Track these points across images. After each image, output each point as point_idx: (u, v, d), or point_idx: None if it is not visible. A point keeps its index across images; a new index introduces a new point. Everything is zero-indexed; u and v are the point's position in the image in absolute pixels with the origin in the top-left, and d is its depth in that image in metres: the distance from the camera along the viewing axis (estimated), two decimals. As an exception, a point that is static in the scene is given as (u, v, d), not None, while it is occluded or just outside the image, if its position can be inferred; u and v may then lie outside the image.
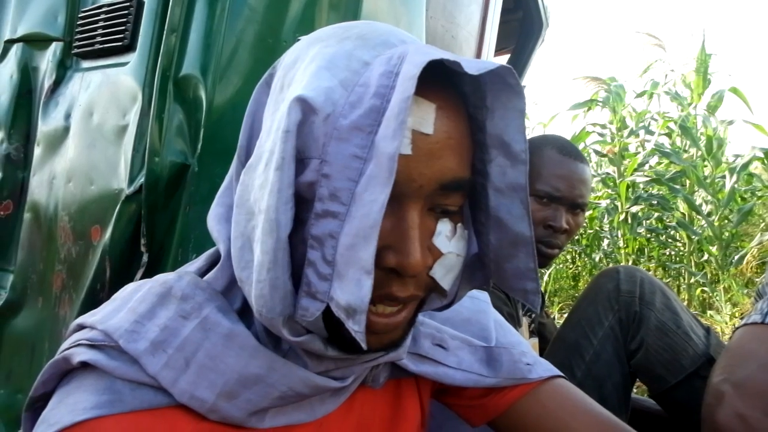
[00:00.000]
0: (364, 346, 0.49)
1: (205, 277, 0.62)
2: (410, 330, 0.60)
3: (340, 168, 0.50)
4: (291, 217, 0.51)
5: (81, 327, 0.62)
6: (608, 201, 5.89)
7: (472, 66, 0.49)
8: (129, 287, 0.65)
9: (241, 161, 0.61)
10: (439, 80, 0.54)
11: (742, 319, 1.00)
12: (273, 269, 0.51)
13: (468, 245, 0.61)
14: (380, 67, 0.51)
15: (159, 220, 1.13)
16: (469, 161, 0.56)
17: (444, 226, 0.56)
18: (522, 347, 0.80)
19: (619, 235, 5.73)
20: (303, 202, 0.52)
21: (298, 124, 0.50)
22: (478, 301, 0.83)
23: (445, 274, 0.57)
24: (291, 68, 0.56)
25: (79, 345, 0.58)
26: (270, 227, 0.50)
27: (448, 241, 0.56)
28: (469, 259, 0.64)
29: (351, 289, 0.48)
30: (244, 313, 0.61)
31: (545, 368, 0.80)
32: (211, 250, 0.68)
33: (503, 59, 2.56)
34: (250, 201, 0.54)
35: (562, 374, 0.81)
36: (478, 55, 1.81)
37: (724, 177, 5.22)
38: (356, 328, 0.49)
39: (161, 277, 0.62)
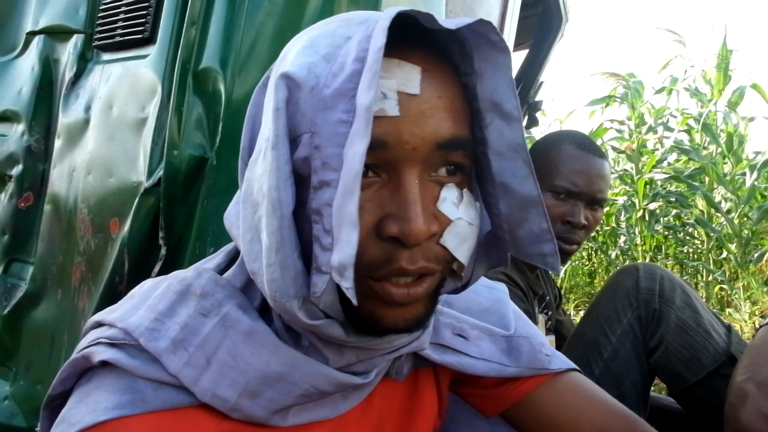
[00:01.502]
0: (354, 301, 0.48)
1: (225, 275, 0.62)
2: (433, 309, 0.59)
3: (329, 136, 0.50)
4: (292, 194, 0.51)
5: (99, 324, 0.62)
6: (626, 198, 5.85)
7: (450, 22, 0.51)
8: (146, 284, 0.65)
9: (244, 161, 0.61)
10: (426, 50, 0.54)
11: (762, 317, 0.99)
12: (281, 249, 0.51)
13: (480, 218, 0.60)
14: (359, 35, 0.52)
15: (177, 213, 1.13)
16: (465, 122, 0.56)
17: (449, 192, 0.55)
18: (540, 338, 0.80)
19: (637, 232, 5.69)
20: (302, 181, 0.52)
21: (286, 100, 0.51)
22: (496, 291, 0.83)
23: (459, 244, 0.55)
24: (280, 63, 0.57)
25: (98, 343, 0.58)
26: (273, 207, 0.50)
27: (456, 207, 0.55)
28: (483, 237, 0.64)
29: (342, 246, 0.48)
30: (265, 310, 0.61)
31: (563, 360, 0.80)
32: (228, 247, 0.68)
33: (522, 54, 2.55)
34: (254, 194, 0.54)
35: (578, 368, 0.81)
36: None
37: (744, 174, 5.16)
38: (346, 284, 0.48)
39: (180, 274, 0.62)
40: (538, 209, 0.59)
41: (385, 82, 0.51)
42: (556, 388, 0.78)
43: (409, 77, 0.52)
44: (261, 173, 0.53)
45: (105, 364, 0.57)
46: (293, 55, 0.54)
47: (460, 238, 0.55)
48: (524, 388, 0.78)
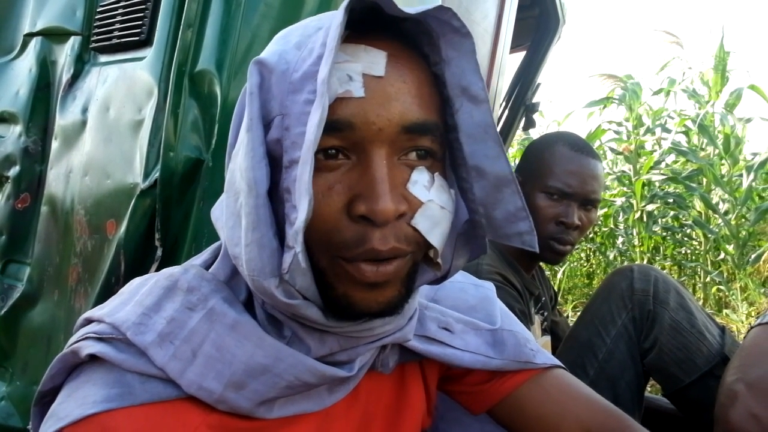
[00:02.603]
0: (303, 264, 0.50)
1: (210, 269, 0.63)
2: (408, 295, 0.60)
3: (297, 116, 0.52)
4: (266, 174, 0.53)
5: (89, 321, 0.63)
6: (623, 199, 5.85)
7: (411, 9, 0.53)
8: (135, 281, 0.66)
9: (230, 156, 0.62)
10: (395, 40, 0.56)
11: (758, 318, 1.00)
12: (257, 227, 0.53)
13: (455, 206, 0.61)
14: (328, 24, 0.54)
15: (173, 215, 1.14)
16: (434, 108, 0.57)
17: (420, 175, 0.57)
18: (525, 334, 0.81)
19: (635, 234, 5.69)
20: (276, 164, 0.54)
21: (259, 86, 0.54)
22: (483, 289, 0.84)
23: (431, 227, 0.56)
24: None
25: (87, 338, 0.59)
26: (249, 187, 0.52)
27: (427, 190, 0.56)
28: (462, 227, 0.64)
29: (299, 214, 0.49)
30: (249, 303, 0.62)
31: (548, 357, 0.81)
32: (215, 244, 0.69)
33: (519, 56, 2.55)
34: (236, 182, 0.56)
35: (563, 365, 0.82)
36: (494, 52, 1.80)
37: (741, 175, 5.16)
38: (297, 248, 0.49)
39: (167, 271, 0.64)
40: (511, 188, 0.60)
41: (350, 66, 0.53)
42: (541, 384, 0.78)
43: (375, 60, 0.54)
44: (240, 160, 0.55)
45: (94, 359, 0.58)
46: (269, 46, 0.58)
47: (432, 221, 0.56)
48: (510, 384, 0.78)
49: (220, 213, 0.63)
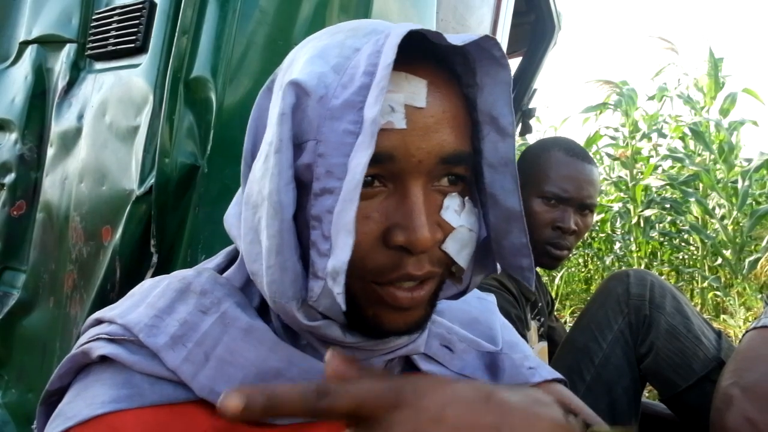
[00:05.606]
0: (342, 306, 0.50)
1: (224, 274, 0.63)
2: (432, 312, 0.60)
3: (335, 145, 0.51)
4: (293, 198, 0.52)
5: (99, 321, 0.62)
6: (620, 204, 5.87)
7: (456, 38, 0.52)
8: (147, 283, 0.66)
9: (247, 164, 0.62)
10: (431, 62, 0.56)
11: (753, 322, 1.00)
12: (281, 252, 0.52)
13: (479, 225, 0.61)
14: (369, 49, 0.53)
15: (169, 221, 1.14)
16: (467, 136, 0.57)
17: (452, 201, 0.57)
18: (524, 350, 0.80)
19: (632, 239, 5.70)
20: (303, 187, 0.53)
21: (293, 107, 0.52)
22: (485, 301, 0.84)
23: (460, 249, 0.57)
24: (288, 69, 0.58)
25: (98, 339, 0.59)
26: (274, 210, 0.51)
27: (458, 215, 0.57)
28: (480, 244, 0.65)
29: (337, 253, 0.49)
30: (263, 310, 0.62)
31: (548, 371, 0.80)
32: (229, 248, 0.69)
33: (515, 62, 2.56)
34: (254, 196, 0.55)
35: (563, 378, 0.81)
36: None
37: (736, 181, 5.18)
38: (337, 290, 0.49)
39: (179, 273, 0.63)
40: (519, 224, 0.61)
41: (392, 96, 0.52)
42: None
43: (416, 91, 0.53)
44: (261, 176, 0.54)
45: (103, 360, 0.58)
46: (302, 63, 0.55)
47: (461, 243, 0.57)
48: None
49: (234, 220, 0.62)
